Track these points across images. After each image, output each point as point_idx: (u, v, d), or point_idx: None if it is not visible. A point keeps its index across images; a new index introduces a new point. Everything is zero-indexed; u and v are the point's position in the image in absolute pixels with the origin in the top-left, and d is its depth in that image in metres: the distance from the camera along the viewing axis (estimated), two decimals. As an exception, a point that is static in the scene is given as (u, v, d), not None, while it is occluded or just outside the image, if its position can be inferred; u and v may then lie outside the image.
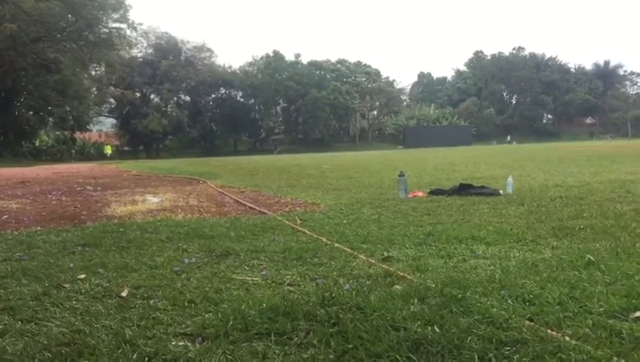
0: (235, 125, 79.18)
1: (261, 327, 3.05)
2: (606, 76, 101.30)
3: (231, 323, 3.12)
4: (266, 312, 3.28)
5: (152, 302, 3.64)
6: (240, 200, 10.19)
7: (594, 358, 2.50)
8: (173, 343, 2.92)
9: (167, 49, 74.99)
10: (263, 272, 4.37)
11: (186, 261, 4.85)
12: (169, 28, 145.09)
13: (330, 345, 2.79)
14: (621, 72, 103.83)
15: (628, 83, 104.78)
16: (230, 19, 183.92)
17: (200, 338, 2.98)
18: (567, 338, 2.75)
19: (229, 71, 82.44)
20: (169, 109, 75.66)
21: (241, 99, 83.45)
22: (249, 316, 3.22)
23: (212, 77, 76.38)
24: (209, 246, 5.52)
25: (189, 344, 2.91)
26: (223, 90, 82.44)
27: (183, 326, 3.18)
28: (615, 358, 2.50)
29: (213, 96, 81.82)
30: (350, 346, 2.76)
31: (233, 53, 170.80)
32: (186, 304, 3.57)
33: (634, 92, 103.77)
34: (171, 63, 73.20)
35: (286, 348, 2.82)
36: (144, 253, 5.26)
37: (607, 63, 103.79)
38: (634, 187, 9.87)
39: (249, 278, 4.20)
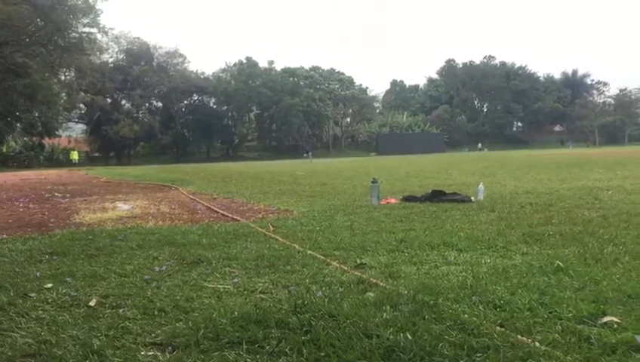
0: (208, 132, 78.57)
1: (233, 336, 3.02)
2: (574, 85, 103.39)
3: (202, 331, 3.08)
4: (237, 320, 3.25)
5: (121, 311, 3.58)
6: (212, 207, 10.11)
7: (563, 363, 2.52)
8: (143, 353, 2.87)
9: (138, 54, 74.15)
10: (235, 280, 4.33)
11: (157, 269, 4.78)
12: (141, 33, 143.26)
13: (303, 353, 2.78)
14: (588, 81, 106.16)
15: (595, 92, 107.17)
16: (203, 25, 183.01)
17: (170, 348, 2.94)
18: (537, 343, 2.77)
19: (202, 77, 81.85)
20: (141, 115, 74.72)
21: (214, 106, 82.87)
22: (220, 324, 3.18)
23: (185, 83, 75.70)
24: (180, 253, 5.46)
25: (159, 354, 2.87)
26: (195, 97, 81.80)
27: (153, 335, 3.13)
28: (584, 363, 2.53)
29: (185, 102, 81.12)
30: (322, 354, 2.75)
31: (206, 59, 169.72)
32: (156, 313, 3.52)
33: (601, 101, 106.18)
34: (143, 69, 72.39)
35: (258, 356, 2.79)
36: (114, 261, 5.18)
37: (575, 72, 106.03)
38: (601, 194, 10.07)
39: (221, 286, 4.16)
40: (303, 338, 2.96)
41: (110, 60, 72.36)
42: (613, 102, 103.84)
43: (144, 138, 74.55)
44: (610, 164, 21.52)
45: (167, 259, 5.27)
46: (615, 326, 3.01)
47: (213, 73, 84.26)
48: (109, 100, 72.20)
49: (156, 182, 19.54)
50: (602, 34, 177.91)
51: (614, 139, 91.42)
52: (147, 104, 77.32)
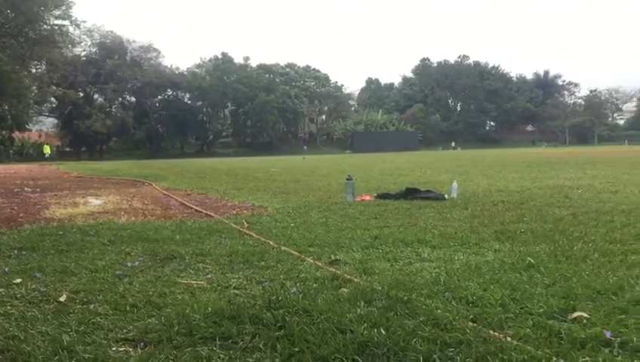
0: (182, 127, 77.85)
1: (206, 332, 3.00)
2: (545, 86, 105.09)
3: (175, 327, 3.05)
4: (210, 316, 3.22)
5: (92, 306, 3.53)
6: (186, 203, 10.03)
7: (534, 358, 2.56)
8: (114, 349, 2.83)
9: (112, 48, 73.05)
10: (209, 276, 4.30)
11: (129, 264, 4.72)
12: (114, 27, 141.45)
13: (277, 349, 2.77)
14: (560, 82, 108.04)
15: (566, 92, 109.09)
16: (178, 19, 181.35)
17: (142, 344, 2.90)
18: (508, 338, 2.81)
19: (177, 72, 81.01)
20: (113, 110, 73.70)
21: (189, 101, 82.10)
22: (193, 320, 3.15)
23: (159, 78, 74.84)
24: (153, 249, 5.40)
25: (131, 349, 2.84)
26: (169, 92, 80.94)
27: (125, 331, 3.09)
28: (554, 358, 2.57)
29: (159, 97, 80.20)
30: (296, 349, 2.74)
31: (181, 54, 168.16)
32: (128, 308, 3.47)
33: (571, 101, 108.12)
34: (116, 63, 71.36)
35: (231, 352, 2.77)
36: (84, 257, 5.10)
37: (546, 73, 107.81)
38: (571, 192, 10.24)
39: (194, 282, 4.13)
40: (276, 333, 2.95)
41: (83, 54, 71.21)
42: (583, 102, 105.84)
43: (117, 133, 73.59)
44: (580, 164, 21.91)
45: (140, 254, 5.21)
46: (584, 321, 3.06)
47: (188, 68, 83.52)
48: (81, 94, 71.05)
49: (129, 177, 19.30)
50: (574, 36, 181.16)
51: (584, 139, 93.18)
52: (120, 99, 76.27)
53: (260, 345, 2.82)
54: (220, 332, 2.99)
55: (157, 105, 79.81)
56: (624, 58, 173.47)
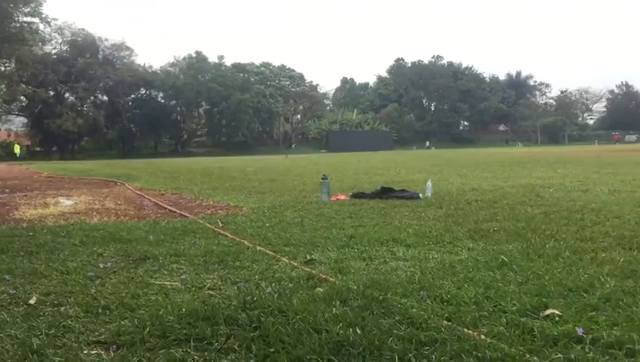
0: (156, 127, 76.99)
1: (180, 333, 2.96)
2: (518, 86, 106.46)
3: (148, 329, 3.01)
4: (185, 317, 3.19)
5: (62, 309, 3.46)
6: (160, 203, 9.93)
7: (508, 356, 2.58)
8: (85, 352, 2.78)
9: (83, 46, 71.90)
10: (183, 276, 4.26)
11: (101, 266, 4.65)
12: (86, 24, 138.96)
13: (252, 350, 2.75)
14: (531, 83, 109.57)
15: (537, 93, 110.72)
16: (151, 17, 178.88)
17: (114, 347, 2.86)
18: (482, 336, 2.83)
19: (150, 71, 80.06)
20: (85, 109, 72.52)
21: (162, 100, 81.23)
22: (167, 322, 3.12)
23: (132, 76, 73.88)
24: (126, 250, 5.33)
25: (103, 352, 2.79)
26: (143, 91, 79.99)
27: (97, 334, 3.04)
28: (528, 355, 2.60)
29: (132, 96, 79.20)
30: (272, 350, 2.73)
31: (154, 52, 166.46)
32: (100, 311, 3.42)
33: (543, 101, 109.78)
34: (88, 61, 70.25)
35: (206, 353, 2.75)
36: (55, 258, 5.01)
37: (519, 74, 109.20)
38: (543, 191, 10.40)
39: (168, 283, 4.08)
40: (252, 334, 2.93)
41: (53, 52, 70.06)
42: (554, 103, 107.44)
43: (88, 132, 72.49)
44: (551, 163, 22.25)
45: (112, 255, 5.14)
46: (557, 318, 3.10)
47: (162, 67, 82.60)
48: (51, 93, 69.73)
49: (101, 177, 19.07)
50: (545, 37, 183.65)
51: (555, 139, 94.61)
52: (92, 97, 75.10)
53: (235, 346, 2.80)
54: (195, 334, 2.96)
55: (130, 104, 78.81)
56: (594, 59, 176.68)
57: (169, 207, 9.22)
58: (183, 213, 8.42)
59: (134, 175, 19.84)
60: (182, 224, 7.11)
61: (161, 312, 3.28)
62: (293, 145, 53.30)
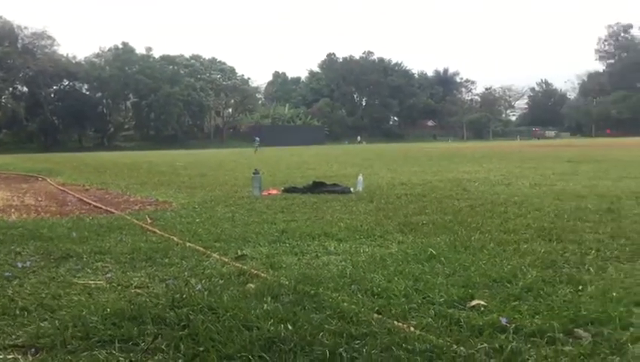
0: (80, 119, 74.16)
1: (104, 334, 2.85)
2: (445, 82, 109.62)
3: (70, 331, 2.89)
4: (109, 317, 3.07)
5: (-24, 312, 3.26)
6: (84, 199, 9.56)
7: (436, 347, 2.63)
8: (1, 357, 2.64)
9: (0, 35, 68.33)
10: (108, 275, 4.11)
11: (20, 265, 4.42)
12: (3, 11, 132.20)
13: (180, 349, 2.68)
14: (458, 79, 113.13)
15: (464, 89, 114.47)
16: (74, 6, 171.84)
17: (33, 350, 2.72)
18: (412, 328, 2.88)
19: (74, 62, 77.09)
20: (3, 100, 69.10)
21: (87, 92, 78.40)
22: (91, 322, 2.99)
23: (54, 67, 70.88)
24: (47, 248, 5.09)
25: (20, 356, 2.66)
26: (66, 82, 76.90)
27: (14, 337, 2.89)
28: (455, 346, 2.66)
29: (55, 87, 76.09)
30: (201, 349, 2.67)
31: (78, 43, 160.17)
32: (18, 312, 3.25)
33: (469, 98, 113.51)
34: (6, 50, 66.85)
35: (131, 354, 2.66)
36: (-31, 258, 4.71)
37: (446, 71, 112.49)
38: (469, 185, 10.73)
39: (92, 282, 3.92)
40: (180, 333, 2.86)
41: (-33, 40, 66.23)
42: (479, 99, 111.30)
43: (7, 125, 69.11)
44: (477, 158, 23.03)
45: (32, 254, 4.89)
46: (482, 309, 3.19)
47: (86, 58, 79.72)
48: (-35, 83, 66.00)
49: (21, 172, 18.20)
50: (471, 35, 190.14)
51: (480, 135, 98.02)
52: (11, 88, 71.61)
53: (163, 346, 2.72)
54: (120, 334, 2.85)
55: (52, 95, 75.63)
56: (516, 58, 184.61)
57: (94, 203, 8.89)
58: (108, 208, 8.15)
59: (57, 169, 19.07)
60: (107, 220, 6.86)
61: (84, 313, 3.15)
62: (257, 141, 50.23)
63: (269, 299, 3.37)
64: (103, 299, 3.48)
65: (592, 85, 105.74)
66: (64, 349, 2.70)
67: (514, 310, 3.15)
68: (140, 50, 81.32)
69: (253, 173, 9.93)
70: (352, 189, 9.83)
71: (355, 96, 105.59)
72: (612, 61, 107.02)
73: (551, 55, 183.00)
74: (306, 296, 3.42)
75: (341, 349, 2.62)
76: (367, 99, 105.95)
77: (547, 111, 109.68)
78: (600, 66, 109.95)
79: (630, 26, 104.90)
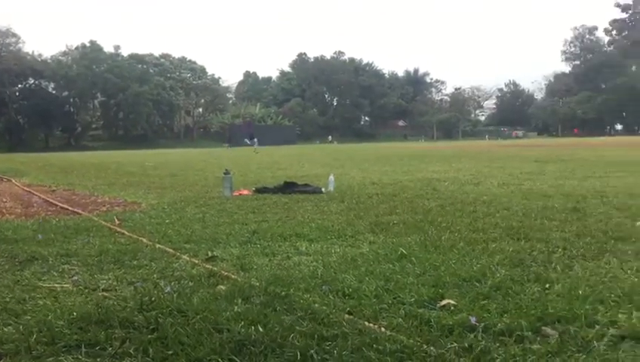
0: (46, 119, 72.70)
1: (70, 339, 2.79)
2: (416, 83, 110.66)
3: (35, 336, 2.82)
4: (76, 322, 3.01)
5: (-64, 318, 3.16)
6: (50, 200, 9.36)
7: (407, 347, 2.64)
8: (-38, 365, 2.55)
9: (-37, 31, 66.72)
10: (75, 278, 4.02)
11: (-18, 269, 4.30)
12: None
13: (149, 353, 2.63)
14: (428, 80, 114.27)
15: (434, 90, 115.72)
16: (40, 2, 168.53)
17: (-4, 357, 2.64)
18: (382, 329, 2.88)
19: (39, 60, 75.59)
20: (-35, 99, 67.38)
21: (54, 91, 76.99)
22: (56, 327, 2.93)
23: (19, 65, 69.42)
24: (11, 251, 4.96)
25: (-18, 364, 2.57)
26: (31, 80, 75.41)
27: (-25, 343, 2.79)
28: (425, 346, 2.67)
29: (20, 86, 74.52)
30: (170, 352, 2.63)
31: (44, 40, 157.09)
32: (-20, 318, 3.15)
33: (439, 98, 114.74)
34: (-32, 48, 65.26)
35: (98, 359, 2.61)
36: None
37: (416, 71, 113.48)
38: (439, 185, 10.82)
39: (58, 285, 3.84)
40: (149, 336, 2.81)
41: None
42: (449, 99, 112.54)
43: (-31, 124, 67.32)
44: (447, 157, 23.26)
45: (-5, 257, 4.77)
46: (452, 308, 3.22)
47: (52, 56, 78.28)
48: None
49: (-16, 172, 17.72)
50: (441, 36, 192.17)
51: (450, 134, 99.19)
52: (-26, 87, 69.83)
53: (131, 350, 2.67)
54: (87, 339, 2.79)
55: (17, 94, 74.03)
56: (485, 59, 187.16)
57: (60, 204, 8.72)
58: (76, 210, 7.99)
59: (22, 170, 18.68)
60: (74, 222, 6.73)
61: (49, 317, 3.08)
62: (253, 140, 48.35)
63: (240, 300, 3.34)
64: (70, 303, 3.40)
65: (558, 86, 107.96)
66: (29, 355, 2.64)
67: (483, 309, 3.18)
68: (108, 48, 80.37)
69: (224, 173, 9.86)
70: (323, 189, 9.83)
71: (326, 96, 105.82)
72: (578, 62, 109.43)
73: (518, 56, 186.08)
74: (277, 297, 3.40)
75: (312, 351, 2.61)
76: (338, 99, 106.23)
77: (515, 111, 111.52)
78: (566, 67, 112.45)
79: (595, 28, 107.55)
